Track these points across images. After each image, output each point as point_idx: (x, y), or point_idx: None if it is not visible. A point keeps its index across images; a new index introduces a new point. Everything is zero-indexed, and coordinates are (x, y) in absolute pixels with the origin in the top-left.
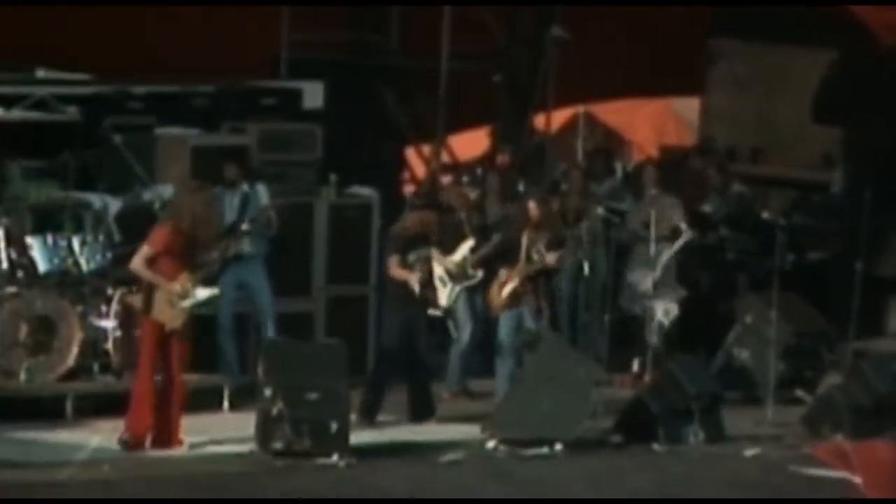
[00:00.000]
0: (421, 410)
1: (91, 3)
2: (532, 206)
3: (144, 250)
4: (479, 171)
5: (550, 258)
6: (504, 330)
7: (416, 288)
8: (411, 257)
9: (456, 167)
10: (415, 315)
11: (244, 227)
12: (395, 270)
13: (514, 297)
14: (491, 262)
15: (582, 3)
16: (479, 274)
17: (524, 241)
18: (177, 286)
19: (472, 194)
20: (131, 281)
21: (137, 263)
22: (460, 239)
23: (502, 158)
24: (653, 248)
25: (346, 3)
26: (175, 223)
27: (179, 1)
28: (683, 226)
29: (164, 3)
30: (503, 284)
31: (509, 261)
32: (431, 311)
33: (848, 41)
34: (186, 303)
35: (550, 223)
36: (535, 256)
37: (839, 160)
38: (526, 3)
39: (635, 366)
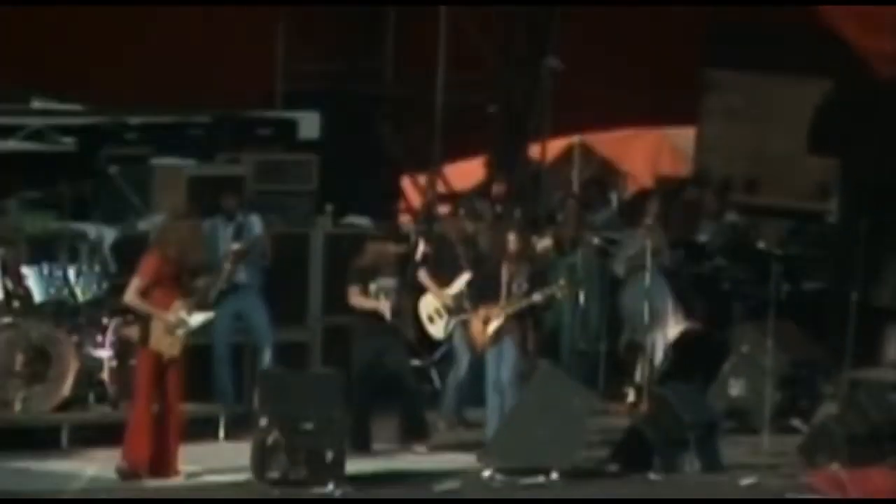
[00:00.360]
0: (411, 431)
1: (87, 31)
2: (511, 238)
3: (135, 282)
4: (476, 203)
5: (537, 297)
6: (492, 366)
7: (388, 315)
8: (372, 287)
9: (454, 198)
10: (386, 342)
11: (236, 247)
12: (358, 300)
13: (499, 335)
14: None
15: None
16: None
17: (504, 275)
18: (171, 315)
19: (470, 227)
20: (127, 311)
21: (130, 296)
22: (456, 272)
23: (498, 188)
24: (647, 279)
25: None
26: (162, 251)
27: (173, 30)
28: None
29: (160, 31)
30: (487, 321)
31: (489, 296)
32: (415, 362)
33: (843, 71)
34: (183, 330)
35: (530, 256)
36: (516, 290)
37: (834, 190)
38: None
39: (630, 395)
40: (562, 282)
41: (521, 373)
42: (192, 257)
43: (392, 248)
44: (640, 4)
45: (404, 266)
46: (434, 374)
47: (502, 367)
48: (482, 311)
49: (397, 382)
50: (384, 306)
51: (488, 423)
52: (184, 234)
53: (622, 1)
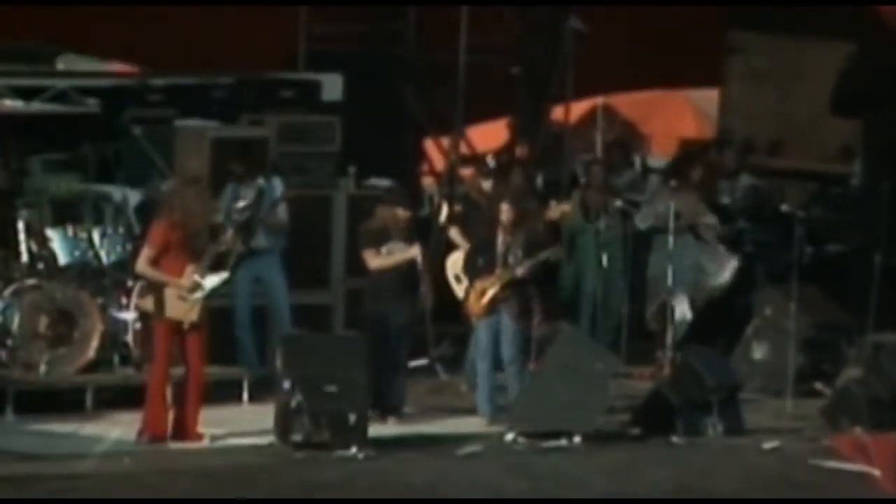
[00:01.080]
0: (388, 406)
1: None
2: (505, 208)
3: (146, 251)
4: (491, 162)
5: (520, 270)
6: (483, 337)
7: (420, 258)
8: (383, 251)
9: (475, 159)
10: (399, 309)
11: (237, 216)
12: (377, 260)
13: (494, 304)
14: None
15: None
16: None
17: (499, 245)
18: (185, 281)
19: (487, 186)
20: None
21: (142, 266)
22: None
23: (522, 150)
24: (671, 242)
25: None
26: (168, 218)
27: None
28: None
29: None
30: (482, 293)
31: (485, 266)
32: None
33: (866, 33)
34: (198, 294)
35: (526, 225)
36: (511, 260)
37: (858, 152)
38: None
39: (659, 357)
40: (554, 247)
41: (521, 346)
42: (199, 223)
43: (401, 213)
44: None
45: (414, 229)
46: (439, 369)
47: (502, 341)
48: (478, 283)
49: (389, 352)
50: (416, 252)
51: (479, 391)
52: (189, 199)
53: None
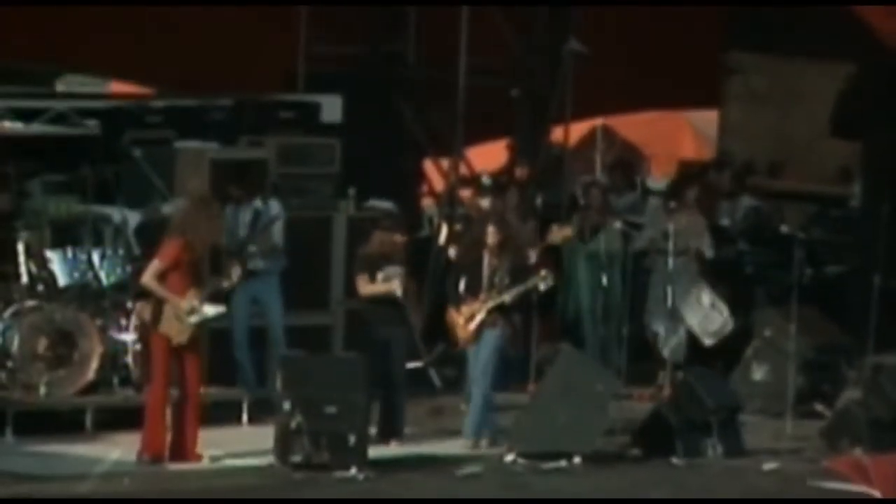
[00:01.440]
0: (388, 429)
1: (111, 16)
2: (491, 230)
3: (155, 264)
4: (487, 180)
5: (507, 296)
6: (473, 361)
7: (399, 292)
8: (379, 276)
9: (472, 179)
10: (393, 333)
11: (251, 248)
12: (367, 287)
13: (481, 329)
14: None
15: (597, 2)
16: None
17: (485, 267)
18: (185, 302)
19: (485, 204)
20: (148, 293)
21: (148, 278)
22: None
23: (521, 172)
24: (671, 263)
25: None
26: (184, 238)
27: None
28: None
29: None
30: (469, 318)
31: (470, 290)
32: (412, 365)
33: (865, 54)
34: (194, 319)
35: (513, 248)
36: (497, 283)
37: (857, 174)
38: (541, 2)
39: (660, 378)
40: (543, 272)
41: (491, 369)
42: (202, 244)
43: (398, 237)
44: None
45: (411, 253)
46: (433, 375)
47: (476, 360)
48: (465, 307)
49: (389, 378)
50: (395, 286)
51: (469, 417)
52: (209, 223)
53: None
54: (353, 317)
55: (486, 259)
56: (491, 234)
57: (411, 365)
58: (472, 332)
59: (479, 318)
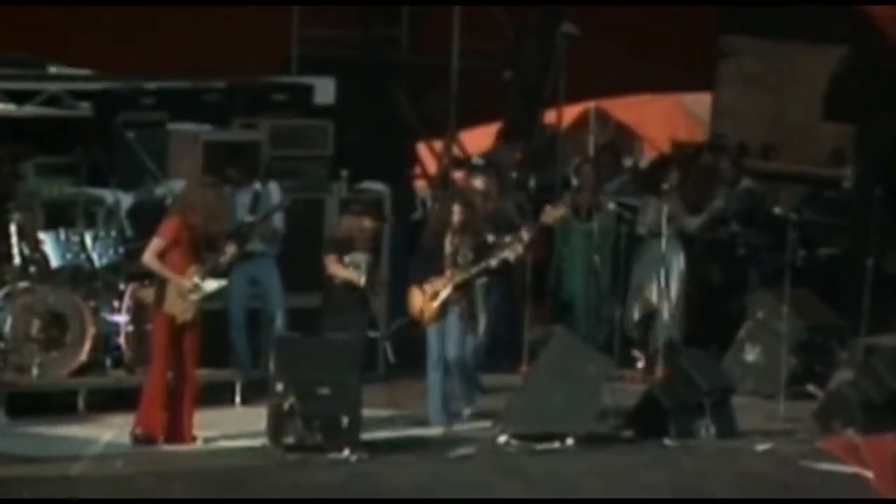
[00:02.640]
0: None
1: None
2: (455, 209)
3: (155, 243)
4: (479, 161)
5: (473, 270)
6: (434, 343)
7: (362, 282)
8: (346, 260)
9: (464, 161)
10: (351, 318)
11: (252, 230)
12: (336, 268)
13: (444, 307)
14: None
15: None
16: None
17: (447, 246)
18: (186, 280)
19: (478, 182)
20: (143, 276)
21: (149, 257)
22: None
23: (513, 155)
24: (663, 245)
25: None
26: (185, 216)
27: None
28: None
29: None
30: (433, 296)
31: (432, 269)
32: (372, 334)
33: (858, 37)
34: (196, 295)
35: (474, 227)
36: (461, 261)
37: (850, 156)
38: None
39: (640, 363)
40: (508, 238)
41: (466, 347)
42: (216, 226)
43: (367, 223)
44: None
45: (379, 240)
46: (388, 348)
47: (447, 342)
48: (428, 286)
49: None
50: (359, 276)
51: (430, 399)
52: (210, 202)
53: None
54: None
55: (449, 238)
56: (456, 213)
57: (371, 334)
58: (436, 309)
59: (443, 294)
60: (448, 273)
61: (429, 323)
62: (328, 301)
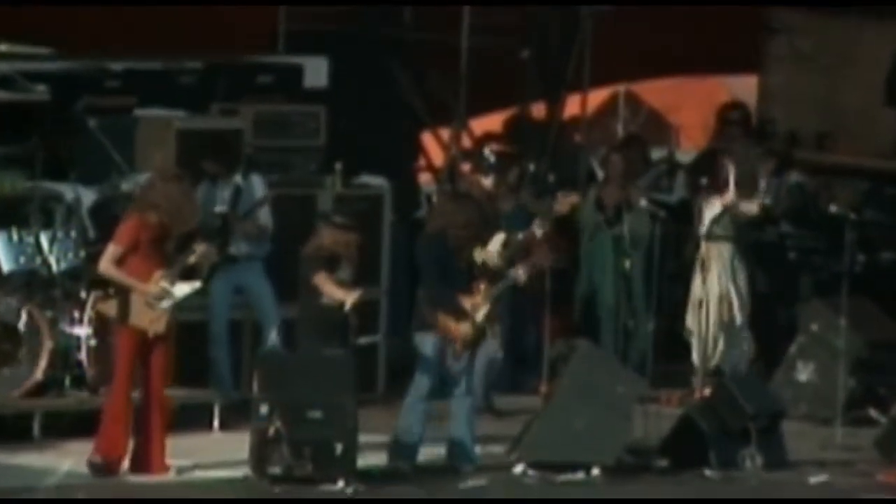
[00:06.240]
0: None
1: None
2: (472, 219)
3: (111, 249)
4: (490, 156)
5: (521, 272)
6: (454, 363)
7: (349, 305)
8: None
9: (473, 153)
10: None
11: (233, 227)
12: (329, 287)
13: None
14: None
15: None
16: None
17: (476, 257)
18: (152, 287)
19: (486, 182)
20: (107, 283)
21: (105, 265)
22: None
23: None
24: (703, 248)
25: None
26: (142, 215)
27: None
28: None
29: None
30: (474, 310)
31: (454, 286)
32: (363, 340)
33: None
34: (166, 303)
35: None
36: (492, 268)
37: None
38: None
39: (694, 383)
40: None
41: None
42: (181, 226)
43: (354, 238)
44: None
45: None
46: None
47: (470, 365)
48: (467, 304)
49: None
50: (350, 298)
51: (454, 429)
52: (174, 198)
53: None
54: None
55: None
56: (473, 227)
57: (364, 340)
58: (479, 329)
59: (483, 312)
60: (481, 286)
61: (470, 346)
62: (308, 322)
